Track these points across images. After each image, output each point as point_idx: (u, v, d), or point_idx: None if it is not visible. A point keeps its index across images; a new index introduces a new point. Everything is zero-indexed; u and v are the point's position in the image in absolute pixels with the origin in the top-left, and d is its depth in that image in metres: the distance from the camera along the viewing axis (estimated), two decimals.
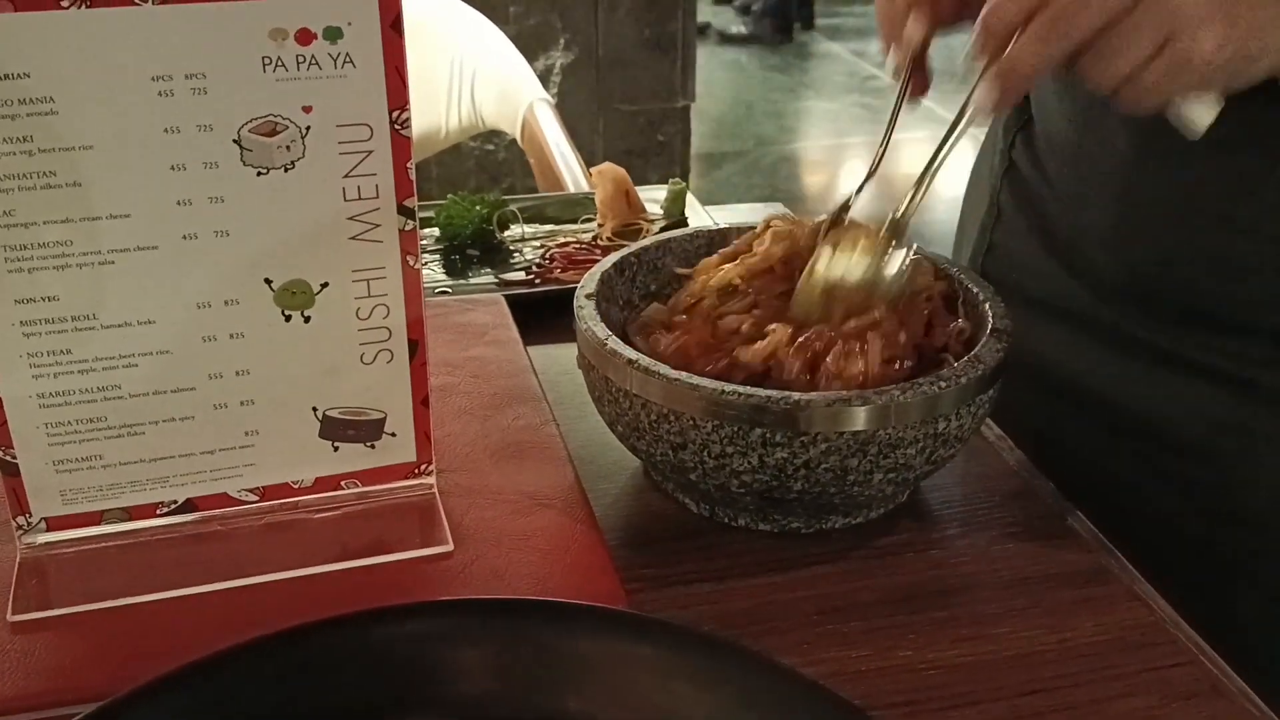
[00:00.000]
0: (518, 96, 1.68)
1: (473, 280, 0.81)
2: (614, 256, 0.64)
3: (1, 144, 0.44)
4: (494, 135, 2.15)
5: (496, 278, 0.82)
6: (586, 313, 0.58)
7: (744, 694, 0.41)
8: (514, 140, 1.73)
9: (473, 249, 0.84)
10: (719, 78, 4.91)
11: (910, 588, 0.54)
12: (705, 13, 5.15)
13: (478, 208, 0.85)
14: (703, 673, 0.42)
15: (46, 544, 0.51)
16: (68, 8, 0.43)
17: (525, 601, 0.46)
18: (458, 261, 0.83)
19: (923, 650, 0.50)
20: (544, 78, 1.89)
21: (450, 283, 0.81)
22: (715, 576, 0.55)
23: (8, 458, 0.50)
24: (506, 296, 0.75)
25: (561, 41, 2.27)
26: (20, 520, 0.51)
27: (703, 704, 0.41)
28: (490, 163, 2.45)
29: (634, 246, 0.65)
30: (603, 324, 0.57)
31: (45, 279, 0.47)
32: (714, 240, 0.66)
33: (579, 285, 0.60)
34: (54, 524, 0.51)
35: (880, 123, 0.62)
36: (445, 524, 0.54)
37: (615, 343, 0.55)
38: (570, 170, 1.43)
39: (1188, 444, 0.67)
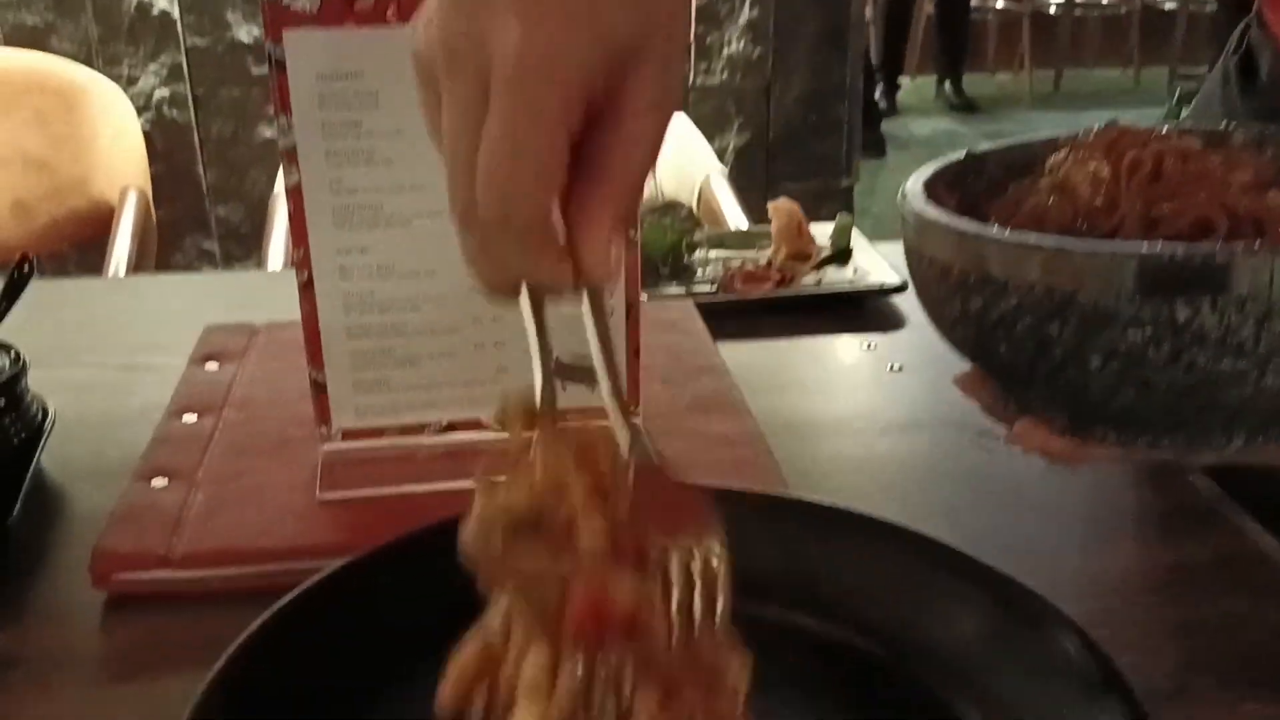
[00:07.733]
0: (695, 171, 1.83)
1: (664, 290, 0.94)
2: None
3: (338, 127, 0.59)
4: (669, 209, 2.31)
5: (684, 289, 0.95)
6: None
7: (888, 558, 0.52)
8: (690, 212, 1.88)
9: (664, 267, 0.98)
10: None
11: None
12: None
13: (669, 234, 0.98)
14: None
15: (340, 450, 0.65)
16: (392, 22, 0.58)
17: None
18: (651, 277, 0.97)
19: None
20: (719, 157, 2.04)
21: (645, 291, 0.94)
22: None
23: (319, 378, 0.64)
24: (695, 304, 0.88)
25: (736, 125, 2.44)
26: (323, 430, 0.65)
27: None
28: None
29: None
30: None
31: (360, 234, 0.61)
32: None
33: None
34: (347, 435, 0.65)
35: None
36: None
37: None
38: None
39: None
